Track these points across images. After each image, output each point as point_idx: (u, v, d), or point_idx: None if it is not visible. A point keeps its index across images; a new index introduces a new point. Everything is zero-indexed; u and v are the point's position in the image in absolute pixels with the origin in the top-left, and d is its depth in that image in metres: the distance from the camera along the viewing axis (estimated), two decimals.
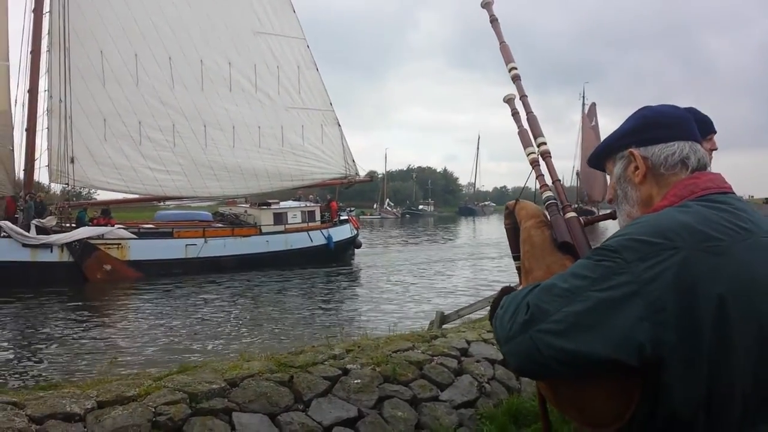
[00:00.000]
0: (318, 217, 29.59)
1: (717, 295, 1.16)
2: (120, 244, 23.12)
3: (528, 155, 1.66)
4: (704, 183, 1.36)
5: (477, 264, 27.26)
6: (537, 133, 1.68)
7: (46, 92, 23.39)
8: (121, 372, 5.77)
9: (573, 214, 1.51)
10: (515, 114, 1.74)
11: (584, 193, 68.56)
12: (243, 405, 3.87)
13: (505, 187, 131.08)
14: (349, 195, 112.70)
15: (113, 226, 23.61)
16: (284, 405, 3.98)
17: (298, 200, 31.43)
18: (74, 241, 21.97)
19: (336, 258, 27.80)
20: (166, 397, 3.77)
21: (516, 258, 1.53)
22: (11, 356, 10.81)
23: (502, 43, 1.81)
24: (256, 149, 27.82)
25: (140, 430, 3.52)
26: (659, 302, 1.15)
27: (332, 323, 12.44)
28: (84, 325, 13.74)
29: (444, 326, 7.06)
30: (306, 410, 4.03)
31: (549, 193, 1.58)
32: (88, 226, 23.13)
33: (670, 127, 1.44)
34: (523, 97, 1.74)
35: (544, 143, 1.65)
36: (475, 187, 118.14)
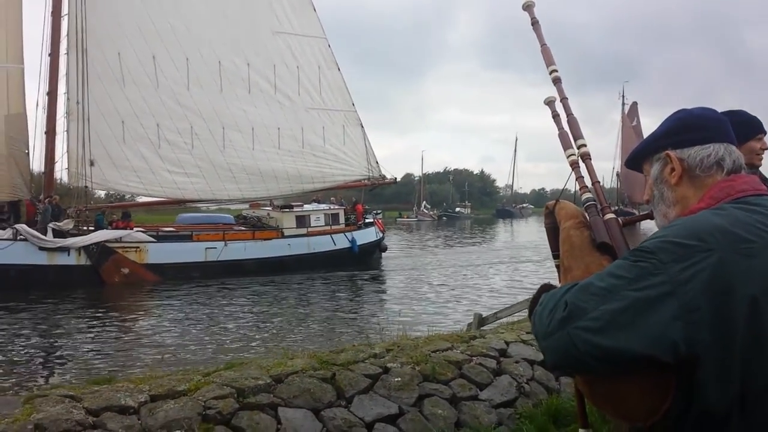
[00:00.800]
0: (342, 220, 29.55)
1: (750, 296, 1.22)
2: (138, 247, 23.35)
3: (568, 157, 1.73)
4: (740, 185, 1.42)
5: (515, 267, 27.12)
6: (577, 135, 1.75)
7: (65, 95, 23.77)
8: (169, 369, 5.98)
9: (612, 215, 1.57)
10: (556, 116, 1.81)
11: (624, 194, 67.28)
12: (288, 400, 4.05)
13: (543, 188, 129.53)
14: (386, 198, 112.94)
15: (132, 229, 23.94)
16: (327, 401, 4.14)
17: (317, 203, 31.66)
18: (91, 244, 22.25)
19: (361, 262, 27.69)
20: (215, 392, 3.96)
21: (555, 257, 1.61)
22: (54, 354, 11.17)
23: (543, 45, 1.88)
24: (275, 151, 27.79)
25: (191, 423, 3.71)
26: (693, 302, 1.21)
27: (369, 325, 12.55)
28: (117, 325, 14.37)
29: (482, 328, 7.15)
30: (348, 406, 4.19)
31: (588, 195, 1.65)
32: (106, 229, 23.46)
33: (705, 130, 1.49)
34: (564, 100, 1.81)
35: (584, 145, 1.73)
36: (512, 188, 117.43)
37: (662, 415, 1.31)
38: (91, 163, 23.79)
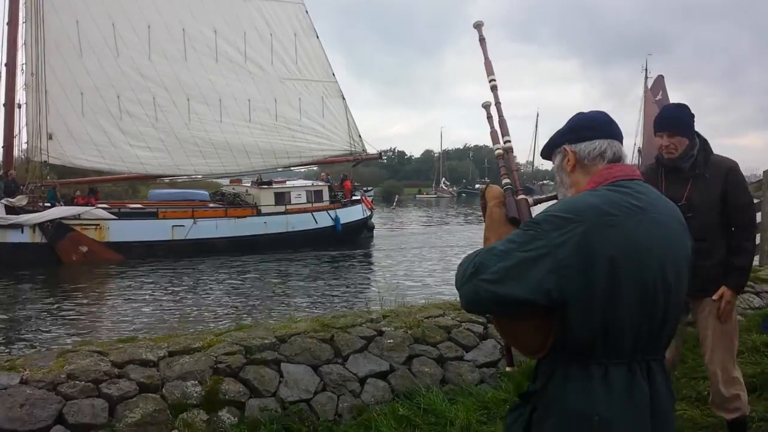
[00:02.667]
0: (326, 197, 28.85)
1: (609, 256, 1.69)
2: (98, 224, 22.83)
3: (495, 150, 2.21)
4: (615, 172, 1.88)
5: None
6: (505, 132, 2.22)
7: (23, 66, 23.27)
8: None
9: (523, 196, 2.05)
10: (489, 118, 2.26)
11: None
12: (290, 357, 4.63)
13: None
14: (406, 174, 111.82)
15: (94, 205, 23.49)
16: (325, 358, 4.72)
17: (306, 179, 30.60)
18: (46, 221, 21.77)
19: (345, 241, 27.13)
20: (225, 349, 4.55)
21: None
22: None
23: (486, 59, 2.33)
24: (245, 124, 26.79)
25: (204, 375, 4.31)
26: (564, 261, 1.68)
27: (369, 297, 13.02)
28: (77, 302, 15.20)
29: None
30: (344, 363, 4.78)
31: (507, 180, 2.11)
32: (59, 205, 22.99)
33: (593, 129, 1.97)
34: (498, 104, 2.26)
35: (509, 141, 2.22)
36: (533, 165, 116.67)
37: (549, 346, 1.80)
38: (49, 137, 23.39)
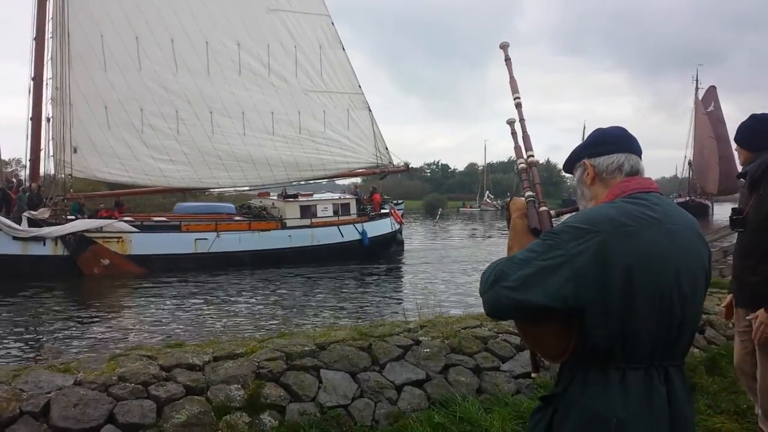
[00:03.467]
0: (353, 210, 28.46)
1: (625, 265, 1.78)
2: (120, 237, 22.87)
3: (519, 164, 2.33)
4: (633, 185, 1.98)
5: None
6: (528, 148, 2.33)
7: (50, 80, 23.51)
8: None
9: (545, 208, 2.15)
10: (514, 134, 2.38)
11: (696, 184, 64.26)
12: (329, 364, 4.83)
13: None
14: (449, 187, 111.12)
15: (118, 218, 23.65)
16: (363, 366, 4.89)
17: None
18: (68, 234, 21.93)
19: (372, 255, 26.67)
20: (267, 355, 4.77)
21: None
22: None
23: (512, 78, 2.46)
24: (268, 137, 26.56)
25: (246, 379, 4.52)
26: (582, 270, 1.78)
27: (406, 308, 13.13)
28: (97, 315, 15.45)
29: None
30: (381, 371, 4.96)
31: (530, 192, 2.22)
32: (84, 218, 23.24)
33: (612, 144, 2.07)
34: (522, 121, 2.38)
35: (532, 155, 2.33)
36: None
37: (570, 353, 1.89)
38: (74, 150, 23.58)
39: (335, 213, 27.89)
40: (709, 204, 60.85)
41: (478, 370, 5.38)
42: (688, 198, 59.97)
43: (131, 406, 4.26)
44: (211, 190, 27.51)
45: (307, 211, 27.20)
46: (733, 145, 4.02)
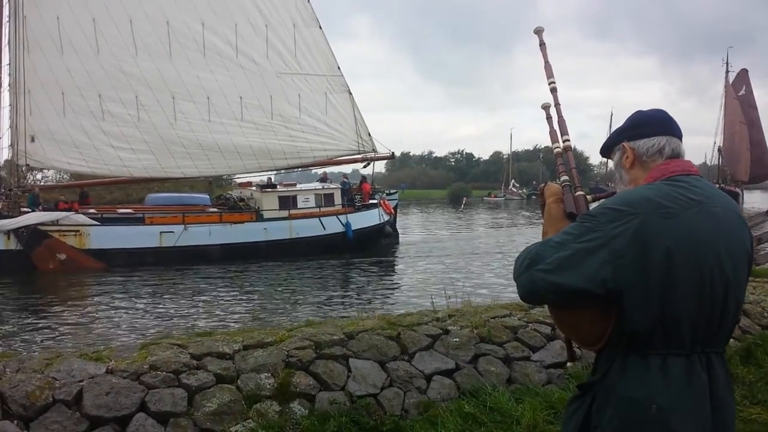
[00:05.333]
0: (338, 200, 27.30)
1: (665, 246, 1.79)
2: (78, 231, 21.93)
3: (554, 149, 2.36)
4: (672, 168, 1.98)
5: None
6: (564, 132, 2.37)
7: (8, 66, 22.67)
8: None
9: (581, 192, 2.18)
10: (549, 118, 2.40)
11: (727, 171, 62.81)
12: (357, 353, 4.93)
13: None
14: (474, 176, 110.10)
15: (76, 211, 22.76)
16: (392, 355, 4.96)
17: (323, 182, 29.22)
18: (20, 228, 21.14)
19: (357, 249, 25.67)
20: (296, 344, 4.86)
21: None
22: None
23: (546, 62, 2.47)
24: (237, 123, 25.15)
25: (276, 368, 4.62)
26: (620, 252, 1.78)
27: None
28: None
29: None
30: (410, 361, 5.03)
31: (565, 177, 2.24)
32: (40, 210, 22.49)
33: (652, 126, 2.07)
34: (557, 106, 2.41)
35: (568, 140, 2.37)
36: (607, 166, 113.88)
37: (607, 339, 1.89)
38: (32, 139, 22.73)
39: (318, 204, 26.83)
40: (739, 191, 59.72)
41: (508, 359, 5.42)
42: (717, 185, 58.87)
43: (162, 394, 4.38)
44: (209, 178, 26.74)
45: (286, 202, 26.21)
46: None
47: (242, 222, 24.78)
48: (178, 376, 4.52)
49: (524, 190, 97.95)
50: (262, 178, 28.28)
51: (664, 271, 1.78)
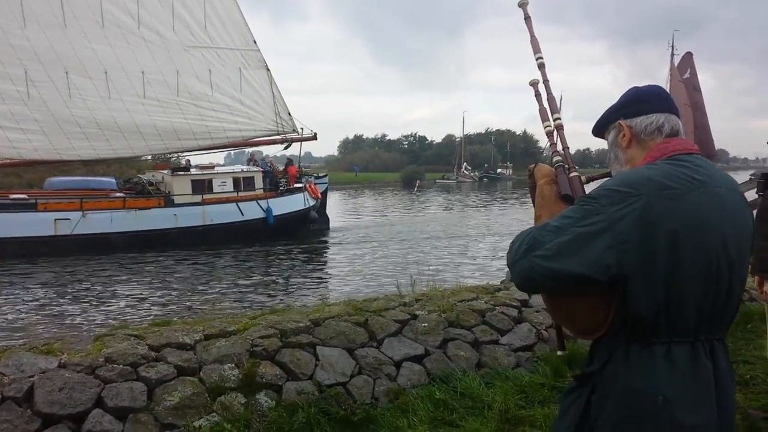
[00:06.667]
0: (258, 184, 25.99)
1: (670, 229, 1.71)
2: None
3: (545, 128, 2.27)
4: (673, 146, 1.90)
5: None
6: (554, 110, 2.28)
7: None
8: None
9: (576, 173, 2.12)
10: (538, 95, 2.31)
11: None
12: (325, 341, 4.85)
13: (588, 149, 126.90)
14: (427, 159, 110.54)
15: None
16: (360, 342, 4.90)
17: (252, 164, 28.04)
18: None
19: (279, 235, 24.56)
20: (261, 332, 4.75)
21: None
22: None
23: (533, 37, 2.38)
24: (138, 101, 22.97)
25: (240, 358, 4.49)
26: (624, 235, 1.70)
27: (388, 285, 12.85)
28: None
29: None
30: (379, 347, 5.03)
31: (558, 157, 2.16)
32: None
33: (649, 102, 1.98)
34: (546, 82, 2.32)
35: (559, 118, 2.29)
36: (557, 149, 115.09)
37: (608, 327, 1.81)
38: None
39: (236, 188, 25.41)
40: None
41: (477, 344, 5.41)
42: None
43: (120, 388, 4.22)
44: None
45: (200, 185, 24.72)
46: None
47: (149, 208, 23.23)
48: (136, 369, 4.35)
49: (476, 173, 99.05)
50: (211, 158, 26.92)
51: (670, 255, 1.72)
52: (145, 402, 4.15)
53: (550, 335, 5.82)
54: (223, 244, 22.57)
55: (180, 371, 4.39)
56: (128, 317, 12.11)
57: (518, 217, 35.18)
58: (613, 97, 2.12)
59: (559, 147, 2.20)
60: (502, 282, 8.70)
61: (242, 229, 24.13)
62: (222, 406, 4.26)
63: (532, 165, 2.22)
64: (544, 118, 2.26)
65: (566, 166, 2.12)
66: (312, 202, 27.10)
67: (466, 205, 47.36)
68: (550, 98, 2.29)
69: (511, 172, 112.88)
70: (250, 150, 31.02)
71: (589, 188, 2.01)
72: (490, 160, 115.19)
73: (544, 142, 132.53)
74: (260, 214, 24.79)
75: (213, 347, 4.67)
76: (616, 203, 1.72)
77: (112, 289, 15.89)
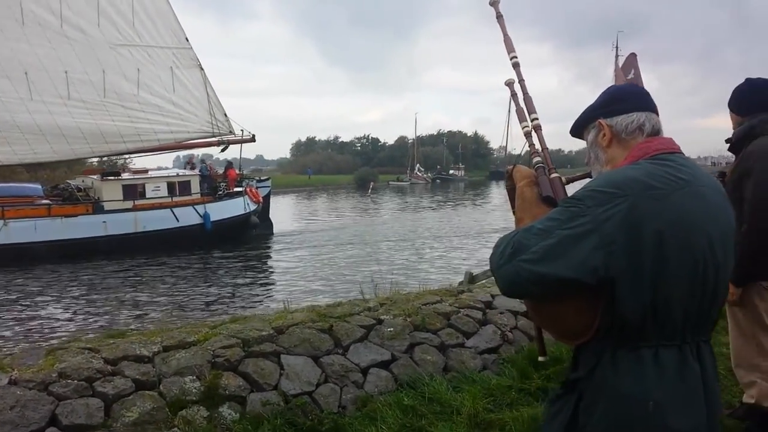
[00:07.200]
0: (195, 189, 24.91)
1: (656, 230, 1.69)
2: None
3: (523, 128, 2.24)
4: (655, 145, 1.87)
5: (508, 228, 26.87)
6: (531, 110, 2.25)
7: None
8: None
9: (556, 174, 2.09)
10: (514, 95, 2.28)
11: None
12: (289, 349, 4.79)
13: (521, 153, 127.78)
14: (380, 161, 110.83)
15: None
16: (325, 349, 4.81)
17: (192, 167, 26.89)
18: None
19: (218, 242, 23.70)
20: (222, 342, 4.66)
21: (514, 212, 2.11)
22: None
23: (506, 36, 2.37)
24: (61, 102, 22.14)
25: (202, 369, 4.38)
26: (611, 237, 1.68)
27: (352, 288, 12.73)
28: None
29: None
30: (345, 354, 4.96)
31: (538, 158, 2.12)
32: None
33: (629, 101, 1.96)
34: (521, 82, 2.29)
35: (536, 119, 2.26)
36: (506, 150, 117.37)
37: (594, 331, 1.78)
38: None
39: (171, 193, 24.32)
40: None
41: (443, 347, 5.37)
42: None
43: (75, 405, 4.03)
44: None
45: (131, 191, 23.53)
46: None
47: (76, 215, 22.11)
48: (91, 384, 4.16)
49: (429, 175, 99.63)
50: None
51: (657, 256, 1.70)
52: (102, 419, 3.97)
53: (514, 336, 5.81)
54: (158, 252, 21.52)
55: (138, 385, 4.22)
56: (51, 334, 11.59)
57: (475, 216, 35.59)
58: (559, 99, 2.08)
59: (538, 148, 2.16)
60: (460, 284, 8.69)
61: (178, 236, 23.14)
62: (184, 421, 4.10)
63: (510, 166, 2.20)
64: (521, 118, 2.23)
65: (546, 167, 2.07)
66: (253, 207, 26.19)
67: (420, 206, 47.58)
68: (527, 98, 2.25)
69: (463, 173, 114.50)
70: (185, 153, 30.23)
71: (570, 189, 1.96)
72: (443, 162, 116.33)
73: (495, 143, 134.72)
74: (197, 220, 23.86)
75: (172, 359, 4.51)
76: (602, 204, 1.70)
77: (32, 304, 14.88)
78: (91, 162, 27.36)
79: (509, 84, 2.28)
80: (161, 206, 23.51)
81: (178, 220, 23.46)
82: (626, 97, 1.97)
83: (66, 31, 22.01)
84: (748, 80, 3.97)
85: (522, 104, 2.24)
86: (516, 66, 2.28)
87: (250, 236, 25.82)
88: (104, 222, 22.19)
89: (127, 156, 26.09)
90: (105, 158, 27.84)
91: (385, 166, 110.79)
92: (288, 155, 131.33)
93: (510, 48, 2.31)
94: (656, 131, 1.93)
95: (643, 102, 1.96)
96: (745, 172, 3.69)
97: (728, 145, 3.93)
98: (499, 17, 2.39)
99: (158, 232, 22.85)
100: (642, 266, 1.69)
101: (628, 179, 1.74)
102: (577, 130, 2.10)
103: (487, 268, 10.53)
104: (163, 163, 26.42)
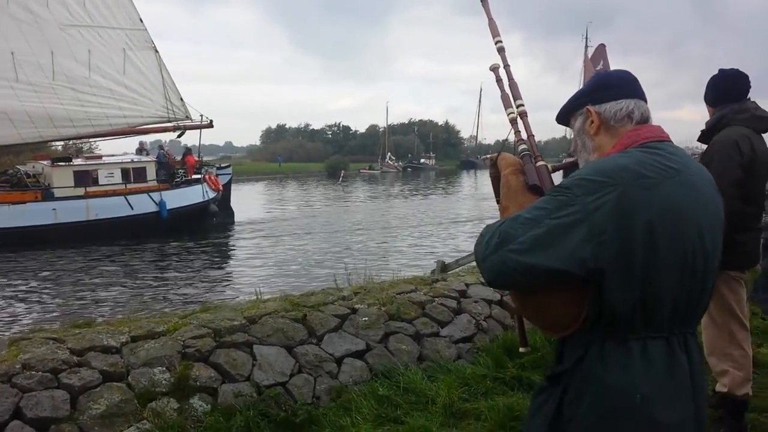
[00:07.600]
0: (151, 175, 24.10)
1: (647, 220, 1.65)
2: None
3: (508, 115, 2.17)
4: (645, 133, 1.83)
5: (479, 217, 27.02)
6: (516, 96, 2.19)
7: None
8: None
9: (543, 162, 2.05)
10: (499, 80, 2.21)
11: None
12: (262, 339, 4.70)
13: (507, 140, 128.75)
14: (351, 150, 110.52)
15: None
16: (299, 339, 4.75)
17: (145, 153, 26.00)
18: None
19: (176, 230, 22.93)
20: (193, 332, 4.59)
21: (498, 201, 2.05)
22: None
23: (490, 20, 2.28)
24: (7, 84, 21.24)
25: (172, 360, 4.27)
26: (600, 227, 1.63)
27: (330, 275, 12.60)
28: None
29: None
30: (319, 344, 4.89)
31: (524, 146, 2.07)
32: None
33: (618, 88, 1.92)
34: (506, 67, 2.22)
35: (522, 105, 2.19)
36: (477, 140, 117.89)
37: (581, 323, 1.73)
38: None
39: (125, 179, 23.50)
40: None
41: (418, 336, 5.34)
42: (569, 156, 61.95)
43: (40, 397, 3.91)
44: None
45: (83, 177, 22.67)
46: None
47: (24, 202, 21.30)
48: (56, 375, 4.04)
49: (400, 163, 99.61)
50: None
51: (647, 246, 1.66)
52: (68, 411, 3.85)
53: (489, 325, 5.79)
54: (111, 241, 20.85)
55: (106, 377, 4.10)
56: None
57: (445, 206, 35.68)
58: (527, 89, 2.02)
59: (524, 135, 2.11)
60: (432, 272, 8.65)
61: (132, 224, 22.40)
62: (153, 413, 4.00)
63: (495, 154, 2.13)
64: (506, 104, 2.15)
65: (532, 154, 2.01)
66: (212, 195, 25.30)
67: (391, 195, 47.55)
68: (512, 84, 2.19)
69: (434, 162, 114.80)
70: (153, 139, 29.20)
71: (556, 178, 1.90)
72: (414, 151, 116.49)
73: (465, 133, 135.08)
74: (152, 208, 23.06)
75: (141, 350, 4.40)
76: (592, 193, 1.65)
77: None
78: (54, 146, 26.60)
79: (494, 69, 2.21)
80: (114, 193, 22.75)
81: (132, 208, 22.63)
82: (615, 84, 1.93)
83: (12, 11, 21.26)
84: (720, 71, 3.99)
85: (507, 90, 2.17)
86: (501, 51, 2.22)
87: (209, 225, 25.11)
88: (54, 209, 21.40)
89: (92, 140, 25.30)
90: (71, 143, 27.17)
91: (357, 155, 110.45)
92: (258, 142, 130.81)
93: (495, 32, 2.24)
94: (645, 119, 1.89)
95: (632, 89, 1.92)
96: (707, 162, 3.71)
97: (697, 136, 3.97)
98: (484, 0, 2.30)
99: (111, 220, 22.11)
100: (632, 257, 1.65)
101: (618, 167, 1.70)
102: (564, 117, 2.05)
103: (459, 256, 10.57)
104: (130, 149, 25.20)
